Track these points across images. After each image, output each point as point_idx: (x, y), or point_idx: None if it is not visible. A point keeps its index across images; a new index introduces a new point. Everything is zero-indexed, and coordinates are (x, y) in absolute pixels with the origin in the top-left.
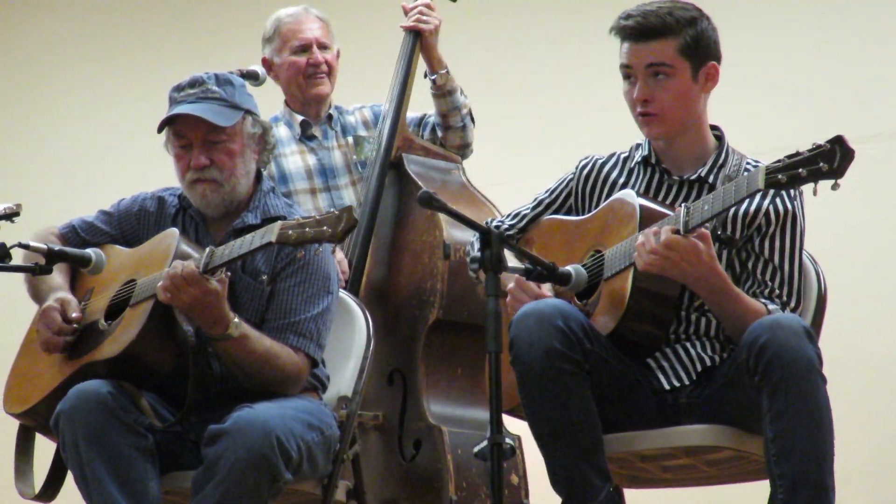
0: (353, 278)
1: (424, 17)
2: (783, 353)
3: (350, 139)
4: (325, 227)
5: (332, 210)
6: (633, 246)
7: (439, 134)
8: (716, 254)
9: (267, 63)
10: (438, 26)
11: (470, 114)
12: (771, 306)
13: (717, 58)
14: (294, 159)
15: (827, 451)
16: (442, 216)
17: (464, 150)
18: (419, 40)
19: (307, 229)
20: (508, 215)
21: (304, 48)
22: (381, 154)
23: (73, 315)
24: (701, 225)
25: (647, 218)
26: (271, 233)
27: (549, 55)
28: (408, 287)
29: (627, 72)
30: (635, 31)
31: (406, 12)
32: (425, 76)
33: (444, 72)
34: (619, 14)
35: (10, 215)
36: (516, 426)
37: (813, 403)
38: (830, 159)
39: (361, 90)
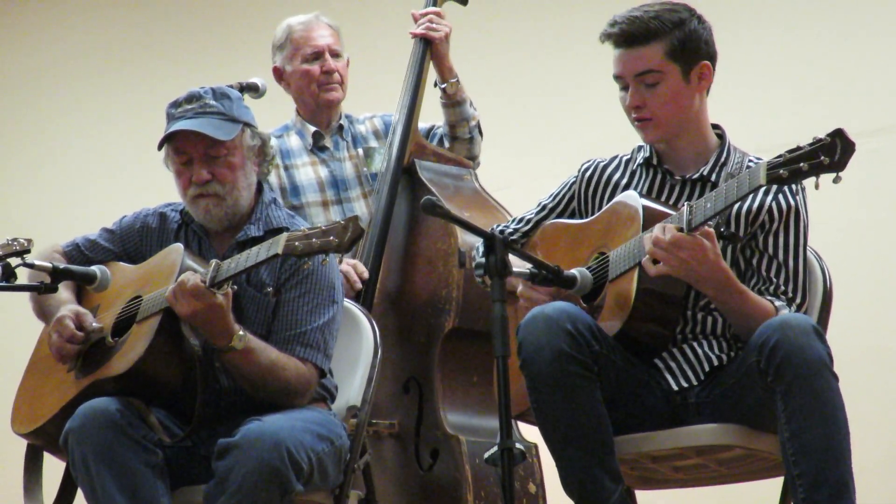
0: (366, 286)
1: (434, 25)
2: (794, 353)
3: (361, 151)
4: (331, 238)
5: (337, 220)
6: (637, 247)
7: (446, 145)
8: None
9: (278, 71)
10: (449, 34)
11: (478, 126)
12: (777, 303)
13: (710, 56)
14: (306, 171)
15: (844, 447)
16: None
17: (470, 161)
18: (430, 48)
19: (313, 240)
20: (513, 221)
21: (317, 56)
22: (393, 160)
23: (94, 325)
24: (704, 223)
25: (651, 218)
26: (277, 244)
27: (552, 59)
28: (422, 295)
29: (620, 81)
30: (620, 38)
31: (416, 20)
32: (435, 85)
33: (454, 80)
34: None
35: (20, 252)
36: (534, 436)
37: (827, 401)
38: (831, 152)
39: (372, 98)
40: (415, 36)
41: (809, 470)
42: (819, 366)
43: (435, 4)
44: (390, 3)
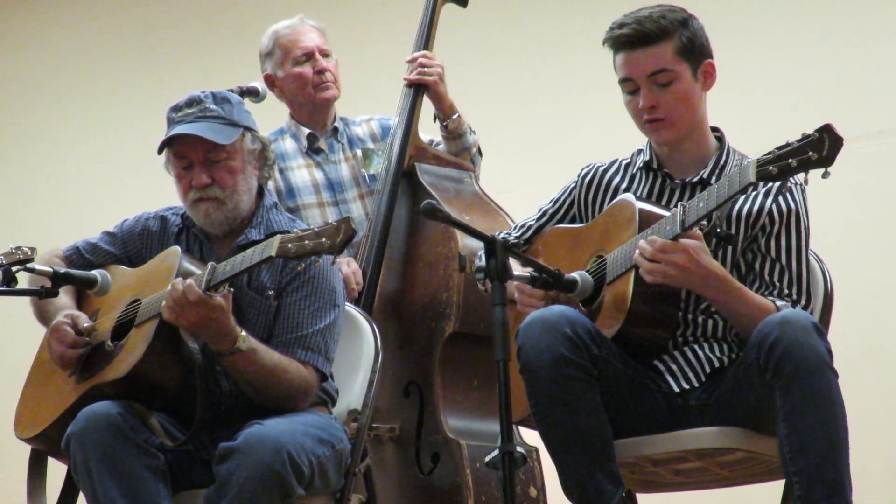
0: (366, 290)
1: (426, 70)
2: (793, 349)
3: (358, 152)
4: (323, 240)
5: (330, 222)
6: (634, 249)
7: None
8: (718, 253)
9: (270, 79)
10: (442, 74)
11: (479, 150)
12: (779, 303)
13: (711, 55)
14: (301, 173)
15: (842, 445)
16: None
17: (471, 165)
18: (425, 91)
19: (306, 242)
20: (514, 227)
21: (308, 57)
22: (393, 164)
23: (85, 325)
24: (697, 222)
25: (646, 220)
26: (271, 247)
27: (553, 62)
28: (423, 299)
29: (629, 84)
30: (632, 38)
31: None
32: (435, 120)
33: (455, 116)
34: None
35: (23, 261)
36: (535, 440)
37: (826, 398)
38: (819, 148)
39: (369, 102)
40: (409, 83)
41: (806, 467)
42: (818, 362)
43: (426, 47)
44: (387, 7)
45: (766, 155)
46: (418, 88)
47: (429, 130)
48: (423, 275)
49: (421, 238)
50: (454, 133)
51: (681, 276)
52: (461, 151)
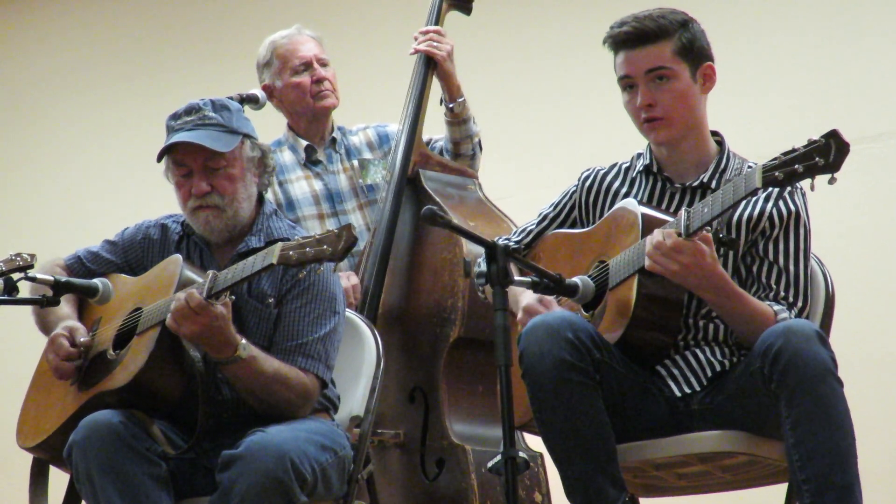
0: (371, 295)
1: (436, 44)
2: (797, 358)
3: (356, 163)
4: (325, 246)
5: (331, 229)
6: (636, 254)
7: None
8: (720, 258)
9: (268, 89)
10: (452, 52)
11: (479, 142)
12: (776, 307)
13: (712, 59)
14: (300, 185)
15: (849, 452)
16: None
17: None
18: (434, 67)
19: (308, 249)
20: (515, 232)
21: (306, 66)
22: (397, 171)
23: (81, 340)
24: (702, 228)
25: (649, 226)
26: (272, 255)
27: (553, 67)
28: (428, 305)
29: (627, 81)
30: (631, 37)
31: (417, 39)
32: (441, 103)
33: (461, 100)
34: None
35: (23, 267)
36: (539, 445)
37: (831, 407)
38: (826, 154)
39: (367, 110)
40: (416, 52)
41: (815, 475)
42: (823, 371)
43: (437, 22)
44: (388, 15)
45: (771, 161)
46: (428, 63)
47: (428, 131)
48: (428, 281)
49: (425, 244)
50: (459, 117)
51: (683, 274)
52: (464, 138)
